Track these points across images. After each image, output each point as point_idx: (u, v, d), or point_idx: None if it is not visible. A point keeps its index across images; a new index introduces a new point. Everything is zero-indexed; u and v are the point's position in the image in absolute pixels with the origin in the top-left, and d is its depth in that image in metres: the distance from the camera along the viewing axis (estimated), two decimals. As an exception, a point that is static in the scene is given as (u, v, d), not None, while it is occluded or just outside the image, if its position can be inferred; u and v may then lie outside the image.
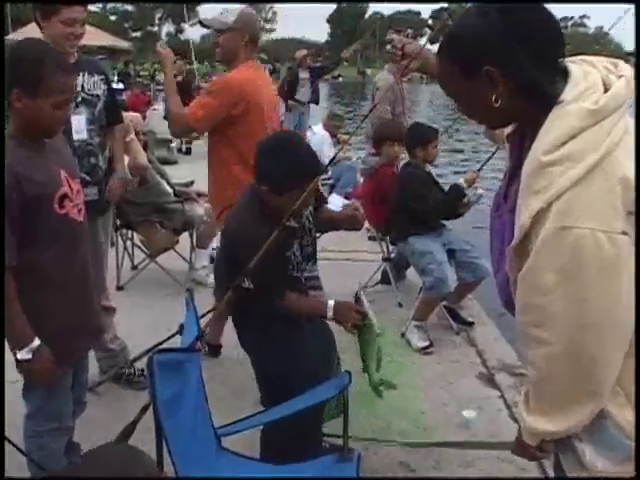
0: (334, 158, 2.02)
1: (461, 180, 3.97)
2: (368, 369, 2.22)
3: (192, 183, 5.45)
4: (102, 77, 2.99)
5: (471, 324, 4.15)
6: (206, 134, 3.11)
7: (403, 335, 3.92)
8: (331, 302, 2.20)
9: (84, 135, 2.88)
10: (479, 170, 4.09)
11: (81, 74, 2.86)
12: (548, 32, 1.23)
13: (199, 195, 4.74)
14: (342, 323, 2.20)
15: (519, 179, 1.24)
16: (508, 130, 1.41)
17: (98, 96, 2.95)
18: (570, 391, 1.24)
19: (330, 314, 2.18)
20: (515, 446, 1.44)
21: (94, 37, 15.50)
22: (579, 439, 1.30)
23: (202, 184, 5.69)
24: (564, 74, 1.25)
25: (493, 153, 3.95)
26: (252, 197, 2.22)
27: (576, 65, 1.27)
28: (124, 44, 17.78)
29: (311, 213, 2.37)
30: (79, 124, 2.86)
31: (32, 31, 2.84)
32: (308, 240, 2.36)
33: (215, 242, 4.86)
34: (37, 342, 1.90)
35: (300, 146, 2.13)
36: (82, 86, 2.87)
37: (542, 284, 1.18)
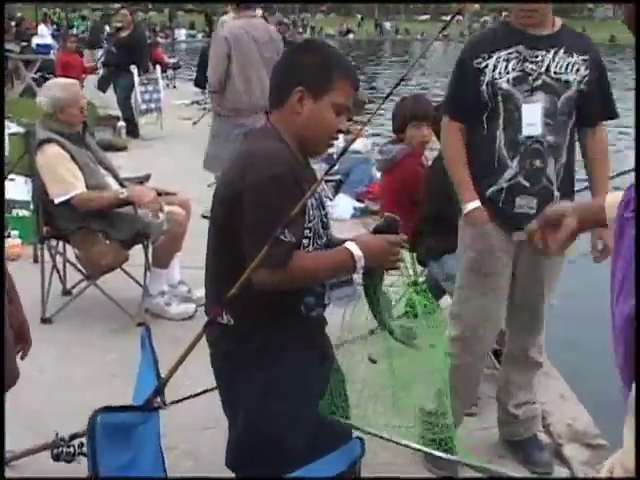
0: (344, 151, 2.04)
1: None
2: (386, 323, 2.25)
3: (149, 177, 5.47)
4: (585, 59, 3.07)
5: (529, 375, 4.16)
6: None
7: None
8: (353, 247, 2.15)
9: (538, 130, 3.01)
10: None
11: (553, 50, 3.01)
12: None
13: (159, 194, 4.72)
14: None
15: None
16: None
17: (568, 82, 3.05)
18: None
19: (361, 265, 2.16)
20: None
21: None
22: None
23: (162, 178, 5.76)
24: None
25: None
26: (268, 130, 2.25)
27: None
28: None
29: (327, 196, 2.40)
30: (533, 115, 3.01)
31: None
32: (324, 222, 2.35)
33: (178, 261, 4.89)
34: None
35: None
36: (547, 66, 3.01)
37: None
